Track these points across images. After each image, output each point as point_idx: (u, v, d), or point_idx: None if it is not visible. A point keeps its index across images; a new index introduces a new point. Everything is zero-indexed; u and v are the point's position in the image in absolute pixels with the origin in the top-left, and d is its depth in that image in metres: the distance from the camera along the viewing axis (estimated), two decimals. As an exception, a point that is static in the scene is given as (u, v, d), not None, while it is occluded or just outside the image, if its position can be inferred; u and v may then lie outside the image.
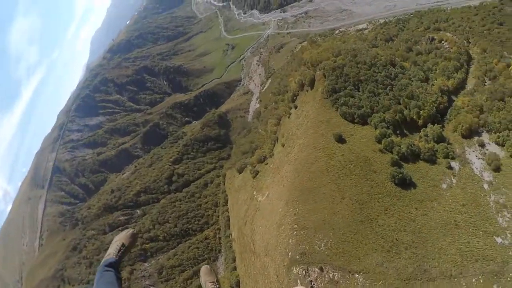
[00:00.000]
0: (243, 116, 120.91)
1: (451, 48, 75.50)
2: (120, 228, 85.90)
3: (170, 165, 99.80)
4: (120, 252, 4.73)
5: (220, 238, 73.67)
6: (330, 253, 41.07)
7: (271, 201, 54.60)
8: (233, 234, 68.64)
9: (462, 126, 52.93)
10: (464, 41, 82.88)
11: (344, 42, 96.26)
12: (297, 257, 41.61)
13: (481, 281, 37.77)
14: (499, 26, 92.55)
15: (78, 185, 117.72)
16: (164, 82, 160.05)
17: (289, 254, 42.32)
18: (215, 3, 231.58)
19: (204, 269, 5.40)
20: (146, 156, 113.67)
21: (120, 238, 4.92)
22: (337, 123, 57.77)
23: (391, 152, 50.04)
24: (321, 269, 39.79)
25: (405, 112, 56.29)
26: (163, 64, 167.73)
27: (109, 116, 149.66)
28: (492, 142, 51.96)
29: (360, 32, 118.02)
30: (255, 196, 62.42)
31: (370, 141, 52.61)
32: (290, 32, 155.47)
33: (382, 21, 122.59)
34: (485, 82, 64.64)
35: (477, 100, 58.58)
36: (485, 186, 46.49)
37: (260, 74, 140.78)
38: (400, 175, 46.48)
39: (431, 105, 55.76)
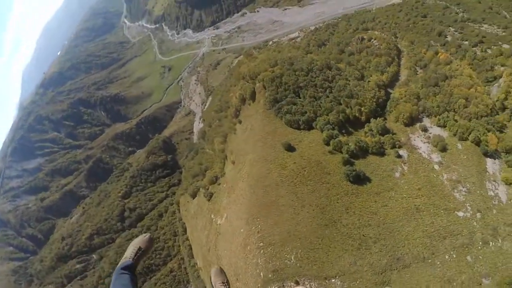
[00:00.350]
0: (188, 138, 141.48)
1: (381, 45, 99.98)
2: (78, 278, 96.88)
3: (119, 201, 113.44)
4: (136, 256, 6.24)
5: (185, 268, 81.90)
6: (302, 264, 50.62)
7: (231, 222, 63.16)
8: (198, 263, 75.46)
9: (403, 115, 71.39)
10: (392, 36, 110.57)
11: (279, 52, 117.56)
12: (270, 275, 49.94)
13: (454, 256, 51.31)
14: (423, 18, 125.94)
15: (25, 237, 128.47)
16: (102, 113, 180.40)
17: (261, 274, 50.39)
18: (148, 25, 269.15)
19: (214, 270, 7.14)
20: (93, 195, 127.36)
21: (137, 242, 6.49)
22: (283, 132, 71.68)
23: (341, 152, 64.67)
24: (297, 282, 48.69)
25: (347, 111, 73.41)
26: (99, 94, 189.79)
27: (48, 157, 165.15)
28: (434, 125, 71.02)
29: (293, 40, 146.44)
30: (214, 220, 70.60)
31: (318, 144, 66.93)
32: (225, 48, 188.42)
33: (312, 28, 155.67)
34: (417, 72, 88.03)
35: (413, 89, 79.37)
36: (436, 167, 63.27)
37: (200, 93, 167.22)
38: (354, 172, 60.41)
39: (371, 101, 73.99)
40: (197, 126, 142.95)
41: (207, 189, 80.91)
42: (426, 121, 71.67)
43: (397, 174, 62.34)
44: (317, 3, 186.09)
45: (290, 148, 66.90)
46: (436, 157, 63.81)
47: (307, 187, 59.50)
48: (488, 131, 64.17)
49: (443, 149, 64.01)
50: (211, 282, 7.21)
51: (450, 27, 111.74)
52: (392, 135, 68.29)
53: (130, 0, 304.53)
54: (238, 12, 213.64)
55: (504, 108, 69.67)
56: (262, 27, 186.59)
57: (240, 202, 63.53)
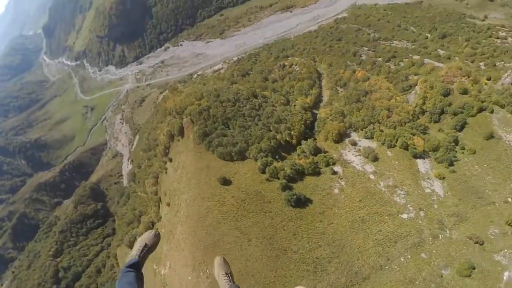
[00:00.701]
0: (117, 182, 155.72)
1: (302, 70, 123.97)
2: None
3: (51, 260, 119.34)
4: (142, 253, 7.98)
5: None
6: (261, 302, 58.70)
7: (176, 270, 68.54)
8: (148, 322, 75.85)
9: (332, 133, 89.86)
10: (311, 61, 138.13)
11: (204, 84, 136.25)
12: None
13: (409, 256, 65.30)
14: (338, 42, 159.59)
15: None
16: (22, 161, 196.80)
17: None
18: (68, 62, 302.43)
19: (217, 260, 8.74)
20: (22, 256, 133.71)
21: (143, 239, 8.27)
22: (217, 166, 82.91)
23: (278, 178, 77.91)
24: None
25: (278, 136, 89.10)
26: (18, 141, 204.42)
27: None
28: (362, 138, 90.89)
29: (218, 72, 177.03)
30: (157, 270, 74.93)
31: (255, 174, 79.42)
32: (149, 84, 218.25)
33: (235, 58, 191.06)
34: (338, 91, 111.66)
35: (337, 108, 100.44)
36: (371, 176, 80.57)
37: (126, 133, 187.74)
38: (294, 196, 73.38)
39: (299, 124, 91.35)
40: (126, 168, 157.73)
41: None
42: (354, 136, 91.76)
43: (336, 191, 77.48)
44: (238, 35, 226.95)
45: (226, 182, 77.80)
46: (369, 167, 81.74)
47: (250, 219, 69.74)
48: (413, 135, 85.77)
49: (375, 159, 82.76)
50: (215, 273, 8.64)
51: (364, 47, 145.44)
52: (325, 153, 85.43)
53: (50, 35, 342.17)
54: (161, 47, 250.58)
55: (423, 112, 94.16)
56: (186, 60, 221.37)
57: (182, 248, 69.89)
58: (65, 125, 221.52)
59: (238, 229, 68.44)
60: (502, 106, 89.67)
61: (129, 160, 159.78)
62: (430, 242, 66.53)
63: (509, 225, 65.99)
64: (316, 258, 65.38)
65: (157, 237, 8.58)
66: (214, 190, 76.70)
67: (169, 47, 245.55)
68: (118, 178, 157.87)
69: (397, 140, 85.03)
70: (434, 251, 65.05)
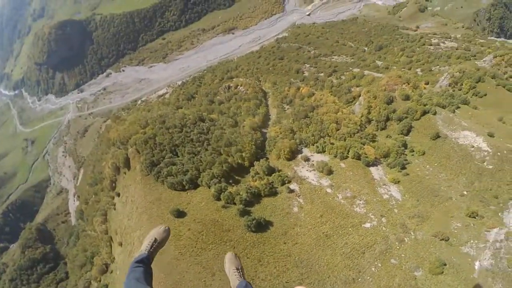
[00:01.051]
0: (65, 221, 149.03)
1: (247, 90, 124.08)
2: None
3: None
4: (152, 248, 8.01)
5: None
6: None
7: None
8: None
9: (283, 151, 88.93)
10: (256, 81, 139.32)
11: (149, 110, 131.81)
12: None
13: (379, 265, 64.18)
14: (280, 61, 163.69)
15: None
16: None
17: None
18: (6, 92, 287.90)
19: (228, 255, 8.78)
20: None
21: (153, 234, 8.26)
22: (169, 198, 78.19)
23: (234, 203, 74.93)
24: None
25: (230, 159, 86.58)
26: None
27: None
28: (314, 153, 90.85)
29: (162, 97, 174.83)
30: None
31: (209, 202, 75.83)
32: (92, 113, 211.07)
33: (180, 82, 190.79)
34: (285, 108, 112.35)
35: (286, 125, 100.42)
36: (328, 190, 80.00)
37: (69, 166, 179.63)
38: (254, 221, 70.45)
39: (250, 145, 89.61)
40: (73, 204, 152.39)
41: (99, 280, 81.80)
42: (306, 151, 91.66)
43: (296, 209, 75.88)
44: (181, 58, 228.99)
45: (180, 214, 73.00)
46: (325, 181, 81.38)
47: (210, 252, 65.54)
48: (363, 145, 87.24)
49: (330, 172, 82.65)
50: (225, 268, 8.71)
51: (306, 64, 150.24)
52: (279, 172, 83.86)
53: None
54: (103, 73, 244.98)
55: (369, 121, 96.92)
56: (129, 86, 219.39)
57: (139, 292, 63.91)
58: (5, 161, 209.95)
59: (199, 264, 63.95)
60: (444, 107, 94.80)
61: (75, 196, 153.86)
62: (398, 247, 66.36)
63: (469, 217, 68.11)
64: (286, 282, 62.42)
65: (167, 232, 8.54)
66: (168, 224, 71.22)
67: (111, 73, 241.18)
68: (66, 216, 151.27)
69: (348, 151, 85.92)
70: (403, 255, 64.85)
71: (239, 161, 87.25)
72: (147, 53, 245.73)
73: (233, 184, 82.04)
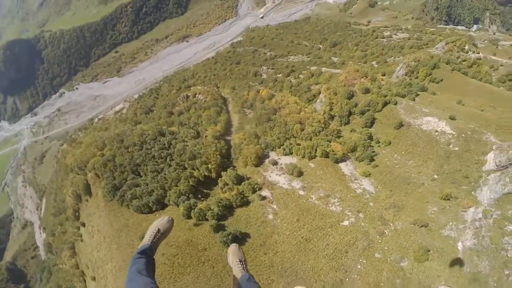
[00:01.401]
0: (34, 256, 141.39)
1: (206, 98, 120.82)
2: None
3: None
4: (155, 238, 7.85)
5: None
6: None
7: None
8: None
9: (250, 158, 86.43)
10: (214, 87, 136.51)
11: (106, 129, 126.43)
12: None
13: (364, 261, 62.55)
14: (237, 65, 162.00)
15: None
16: None
17: None
18: None
19: (231, 247, 8.67)
20: None
21: (156, 225, 8.08)
22: (137, 222, 73.88)
23: (206, 219, 71.63)
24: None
25: (196, 173, 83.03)
26: None
27: None
28: (281, 155, 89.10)
29: (119, 113, 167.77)
30: None
31: (180, 221, 71.89)
32: (48, 136, 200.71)
33: (136, 96, 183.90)
34: (246, 113, 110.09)
35: (249, 130, 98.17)
36: (301, 192, 78.26)
37: (31, 197, 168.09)
38: (229, 235, 67.20)
39: (215, 155, 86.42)
40: (40, 237, 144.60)
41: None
42: (273, 155, 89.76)
43: (271, 216, 73.55)
44: (136, 71, 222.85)
45: (151, 239, 68.92)
46: (297, 183, 79.68)
47: (189, 275, 61.89)
48: (330, 142, 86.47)
49: (300, 174, 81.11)
50: (228, 260, 8.67)
51: (263, 66, 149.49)
52: (248, 180, 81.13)
53: None
54: (56, 93, 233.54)
55: (332, 117, 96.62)
56: (84, 104, 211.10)
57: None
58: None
59: (176, 291, 60.28)
60: (403, 96, 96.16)
61: (41, 228, 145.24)
62: (379, 240, 65.36)
63: (444, 199, 68.66)
64: (272, 295, 60.00)
65: (170, 223, 8.35)
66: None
67: (64, 93, 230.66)
68: (34, 251, 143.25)
69: (316, 151, 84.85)
70: (386, 247, 63.92)
71: (206, 173, 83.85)
72: (101, 68, 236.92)
73: (202, 199, 78.67)
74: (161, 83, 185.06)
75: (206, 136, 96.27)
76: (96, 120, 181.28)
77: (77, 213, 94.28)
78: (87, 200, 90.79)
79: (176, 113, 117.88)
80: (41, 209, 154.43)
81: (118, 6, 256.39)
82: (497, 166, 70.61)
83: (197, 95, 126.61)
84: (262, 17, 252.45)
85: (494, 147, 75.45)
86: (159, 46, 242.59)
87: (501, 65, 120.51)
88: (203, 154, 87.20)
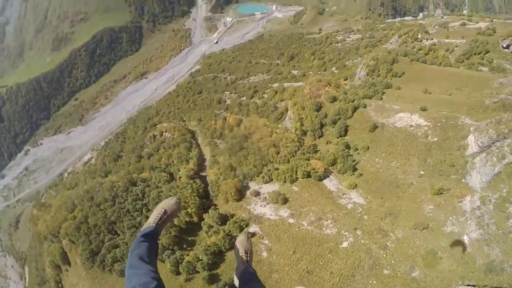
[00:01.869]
0: None
1: (174, 135, 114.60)
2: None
3: None
4: (160, 220, 6.98)
5: None
6: None
7: None
8: None
9: (230, 193, 79.95)
10: (180, 122, 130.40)
11: (76, 185, 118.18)
12: None
13: (374, 281, 56.80)
14: (199, 95, 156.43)
15: None
16: None
17: None
18: None
19: (240, 238, 8.11)
20: None
21: (162, 206, 7.24)
22: (121, 289, 65.80)
23: (197, 272, 65.30)
24: None
25: (176, 221, 75.41)
26: None
27: None
28: (262, 184, 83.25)
29: (88, 163, 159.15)
30: None
31: (169, 279, 65.02)
32: (19, 199, 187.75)
33: (103, 143, 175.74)
34: (217, 144, 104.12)
35: (224, 163, 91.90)
36: (291, 220, 72.28)
37: (13, 266, 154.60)
38: (226, 287, 60.89)
39: (192, 197, 79.67)
40: None
41: None
42: (253, 185, 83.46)
43: (265, 254, 67.30)
44: (99, 116, 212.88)
45: (141, 306, 61.36)
46: (284, 212, 73.78)
47: None
48: (308, 160, 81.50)
49: (285, 201, 75.27)
50: (235, 251, 7.96)
51: (225, 92, 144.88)
52: (233, 218, 74.56)
53: None
54: (21, 151, 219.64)
55: (305, 132, 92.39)
56: (52, 159, 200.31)
57: None
58: None
59: None
60: (371, 97, 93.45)
61: None
62: (384, 255, 60.24)
63: (437, 195, 64.89)
64: None
65: (177, 205, 7.61)
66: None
67: (29, 150, 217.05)
68: None
69: (296, 172, 79.58)
70: (392, 261, 58.85)
71: (186, 219, 76.94)
72: (62, 119, 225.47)
73: (188, 249, 71.76)
74: (126, 125, 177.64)
75: (180, 177, 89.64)
76: (66, 174, 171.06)
77: (59, 285, 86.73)
78: (67, 270, 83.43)
79: (146, 155, 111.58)
80: (25, 279, 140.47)
81: (71, 51, 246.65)
82: (480, 147, 67.89)
83: (164, 133, 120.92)
84: (216, 42, 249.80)
85: (471, 129, 72.88)
86: (118, 87, 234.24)
87: (456, 46, 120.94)
88: (179, 198, 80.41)
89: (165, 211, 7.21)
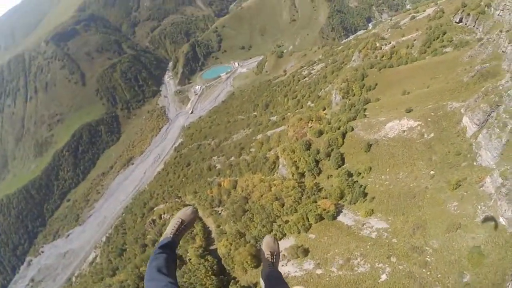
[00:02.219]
0: None
1: (173, 215, 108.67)
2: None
3: None
4: (178, 231, 6.70)
5: None
6: None
7: None
8: None
9: (246, 262, 72.55)
10: (177, 199, 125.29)
11: None
12: None
13: None
14: (188, 167, 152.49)
15: None
16: None
17: None
18: None
19: (267, 238, 7.60)
20: None
21: (179, 216, 6.95)
22: None
23: None
24: None
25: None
26: None
27: None
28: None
29: (93, 263, 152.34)
30: None
31: None
32: None
33: (104, 238, 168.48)
34: (219, 213, 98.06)
35: (231, 233, 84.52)
36: (319, 271, 64.00)
37: None
38: None
39: (207, 277, 72.33)
40: None
41: None
42: (267, 246, 77.09)
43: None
44: (94, 213, 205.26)
45: None
46: (308, 264, 65.99)
47: None
48: (316, 202, 75.85)
49: (306, 252, 68.09)
50: (261, 252, 7.49)
51: (213, 157, 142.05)
52: (256, 287, 67.69)
53: None
54: (23, 263, 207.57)
55: (303, 174, 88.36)
56: (56, 266, 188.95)
57: None
58: None
59: None
60: (354, 118, 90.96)
61: None
62: (428, 272, 53.00)
63: (455, 189, 59.89)
64: None
65: (194, 214, 7.37)
66: None
67: (31, 260, 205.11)
68: None
69: (308, 219, 73.52)
70: (439, 275, 51.64)
71: (209, 304, 69.34)
72: (59, 222, 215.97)
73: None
74: (123, 215, 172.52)
75: (189, 260, 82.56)
76: (73, 279, 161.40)
77: None
78: None
79: (150, 243, 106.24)
80: None
81: (54, 153, 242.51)
82: (478, 125, 64.65)
83: (163, 216, 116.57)
84: (192, 112, 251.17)
85: (462, 110, 70.37)
86: (108, 179, 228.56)
87: (414, 40, 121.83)
88: (195, 284, 73.16)
89: (182, 221, 6.97)
